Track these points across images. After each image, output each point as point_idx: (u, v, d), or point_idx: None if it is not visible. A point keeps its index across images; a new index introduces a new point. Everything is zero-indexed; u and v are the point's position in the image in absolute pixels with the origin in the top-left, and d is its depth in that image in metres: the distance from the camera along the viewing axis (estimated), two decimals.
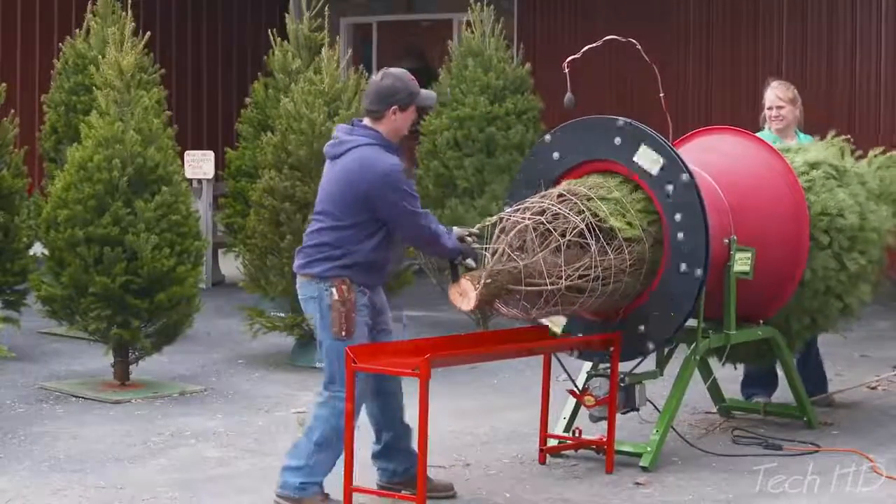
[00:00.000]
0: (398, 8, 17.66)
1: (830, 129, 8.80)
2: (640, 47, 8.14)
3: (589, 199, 7.10)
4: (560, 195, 7.11)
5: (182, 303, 9.10)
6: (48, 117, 11.99)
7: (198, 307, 9.30)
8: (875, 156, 8.83)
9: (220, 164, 13.93)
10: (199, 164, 13.60)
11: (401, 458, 6.84)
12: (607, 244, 7.00)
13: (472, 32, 11.92)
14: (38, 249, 9.81)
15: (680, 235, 7.30)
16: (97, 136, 9.02)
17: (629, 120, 7.49)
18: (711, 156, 8.09)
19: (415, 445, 6.69)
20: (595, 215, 7.04)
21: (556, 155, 7.61)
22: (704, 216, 7.29)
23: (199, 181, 13.62)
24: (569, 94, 7.93)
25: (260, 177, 10.23)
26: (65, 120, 11.76)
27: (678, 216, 7.31)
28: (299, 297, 6.68)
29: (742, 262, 7.69)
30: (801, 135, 9.01)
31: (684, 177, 7.33)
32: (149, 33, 9.96)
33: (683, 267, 7.30)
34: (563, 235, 6.87)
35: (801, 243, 8.03)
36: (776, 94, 8.96)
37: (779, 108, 8.93)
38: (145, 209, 8.93)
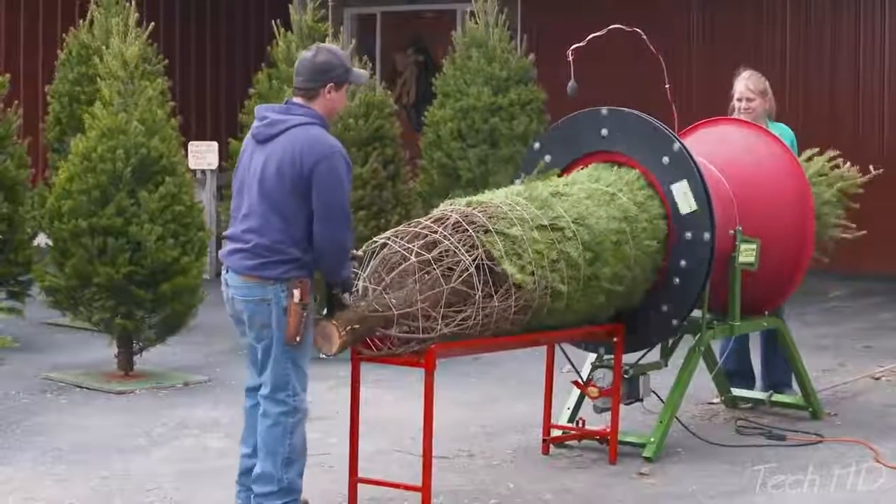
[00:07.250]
0: None
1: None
2: (645, 37, 8.12)
3: (486, 232, 6.48)
4: (456, 223, 6.46)
5: (186, 293, 9.10)
6: (52, 108, 11.98)
7: (201, 298, 9.30)
8: (809, 158, 8.56)
9: (223, 154, 13.91)
10: (203, 154, 13.59)
11: None
12: (494, 289, 6.40)
13: (476, 23, 11.90)
14: (42, 240, 9.81)
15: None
16: (101, 126, 9.02)
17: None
18: (716, 146, 8.09)
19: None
20: (489, 255, 6.43)
21: (548, 158, 7.55)
22: (699, 170, 7.28)
23: (203, 172, 13.62)
24: (571, 82, 7.91)
25: None
26: (68, 111, 11.74)
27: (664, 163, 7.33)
28: (240, 297, 5.98)
29: (747, 254, 7.68)
30: (772, 123, 8.78)
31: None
32: (152, 24, 9.97)
33: (688, 235, 7.28)
34: (450, 272, 6.26)
35: (805, 233, 8.03)
36: (747, 85, 8.70)
37: (749, 100, 8.67)
38: (149, 200, 8.93)
